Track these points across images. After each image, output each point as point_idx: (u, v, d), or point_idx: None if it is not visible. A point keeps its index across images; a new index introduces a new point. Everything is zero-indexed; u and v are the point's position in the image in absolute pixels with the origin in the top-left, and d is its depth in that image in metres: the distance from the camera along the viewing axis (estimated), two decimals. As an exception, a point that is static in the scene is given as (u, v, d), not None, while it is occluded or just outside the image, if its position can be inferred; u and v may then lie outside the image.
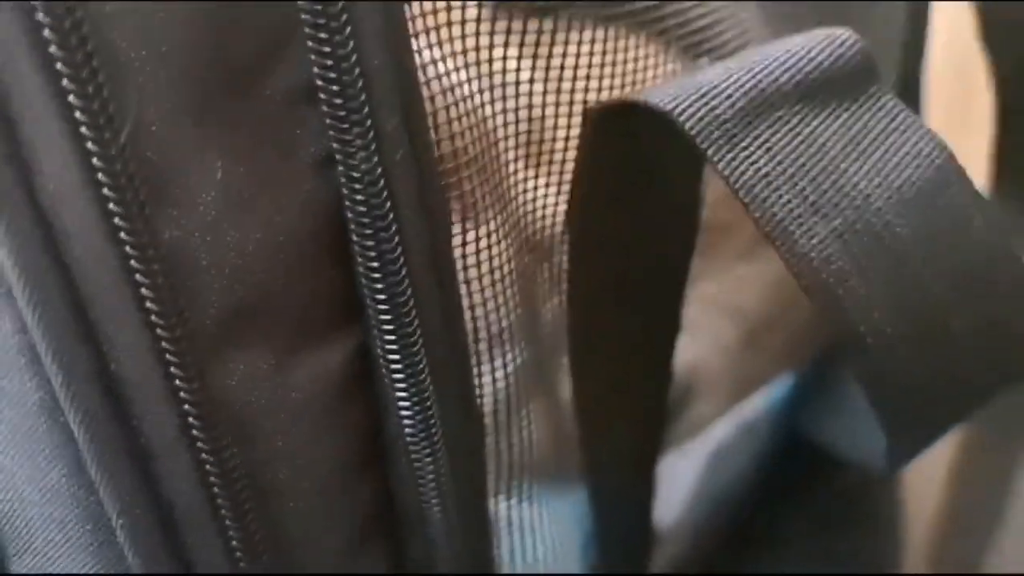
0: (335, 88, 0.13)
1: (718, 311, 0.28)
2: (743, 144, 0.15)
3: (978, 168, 0.43)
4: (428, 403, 0.15)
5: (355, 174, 0.14)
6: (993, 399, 0.18)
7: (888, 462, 0.19)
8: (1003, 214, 0.40)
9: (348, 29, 0.13)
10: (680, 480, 0.29)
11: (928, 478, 0.33)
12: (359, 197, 0.14)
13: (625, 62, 0.17)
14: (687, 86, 0.16)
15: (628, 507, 0.24)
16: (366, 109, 0.13)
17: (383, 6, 0.13)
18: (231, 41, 0.13)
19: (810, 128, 0.16)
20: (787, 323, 0.31)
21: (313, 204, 0.14)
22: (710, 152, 0.15)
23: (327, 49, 0.13)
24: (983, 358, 0.17)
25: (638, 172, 0.18)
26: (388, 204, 0.14)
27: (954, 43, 0.44)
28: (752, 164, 0.15)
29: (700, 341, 0.27)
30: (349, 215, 0.14)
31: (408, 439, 0.15)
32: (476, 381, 0.17)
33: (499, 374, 0.18)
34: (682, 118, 0.15)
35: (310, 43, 0.13)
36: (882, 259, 0.16)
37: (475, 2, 0.16)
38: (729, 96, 0.16)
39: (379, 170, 0.14)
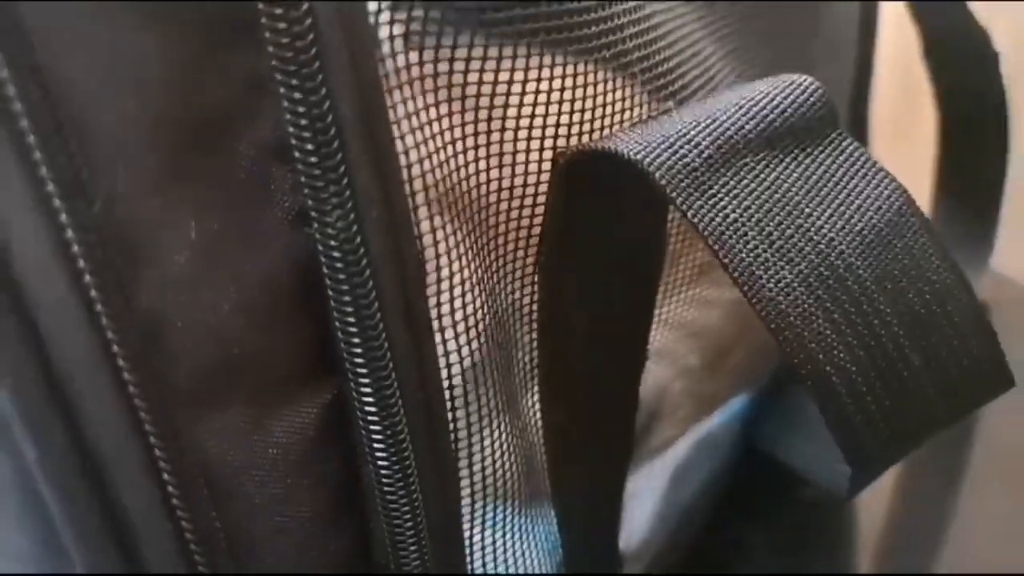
0: (309, 146, 0.13)
1: (683, 334, 0.28)
2: (711, 192, 0.16)
3: (922, 179, 0.45)
4: (405, 452, 0.15)
5: (331, 231, 0.14)
6: (947, 427, 0.19)
7: (850, 488, 0.19)
8: (948, 233, 0.42)
9: (323, 89, 0.13)
10: (643, 500, 0.29)
11: (874, 493, 0.34)
12: (335, 253, 0.14)
13: (594, 108, 0.18)
14: (655, 134, 0.16)
15: (597, 532, 0.24)
16: (342, 167, 0.13)
17: (354, 60, 0.13)
18: (201, 101, 0.13)
19: (775, 174, 0.16)
20: (746, 342, 0.32)
21: (287, 260, 0.14)
22: (679, 200, 0.15)
23: (301, 109, 0.13)
24: (939, 389, 0.18)
25: (605, 214, 0.18)
26: (364, 260, 0.14)
27: (898, 57, 0.45)
28: (721, 211, 0.16)
29: (665, 365, 0.27)
30: (325, 270, 0.14)
31: (385, 486, 0.15)
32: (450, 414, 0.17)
33: (472, 407, 0.18)
34: (652, 168, 0.15)
35: (284, 101, 0.13)
36: (845, 300, 0.16)
37: (448, 48, 0.16)
38: (697, 145, 0.16)
39: (355, 227, 0.14)
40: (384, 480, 0.15)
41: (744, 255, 0.16)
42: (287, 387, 0.14)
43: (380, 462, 0.15)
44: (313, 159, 0.13)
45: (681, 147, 0.16)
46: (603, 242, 0.19)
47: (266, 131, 0.13)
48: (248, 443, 0.14)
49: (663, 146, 0.16)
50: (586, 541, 0.23)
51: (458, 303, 0.16)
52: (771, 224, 0.16)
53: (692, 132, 0.16)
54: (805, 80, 0.17)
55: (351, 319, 0.14)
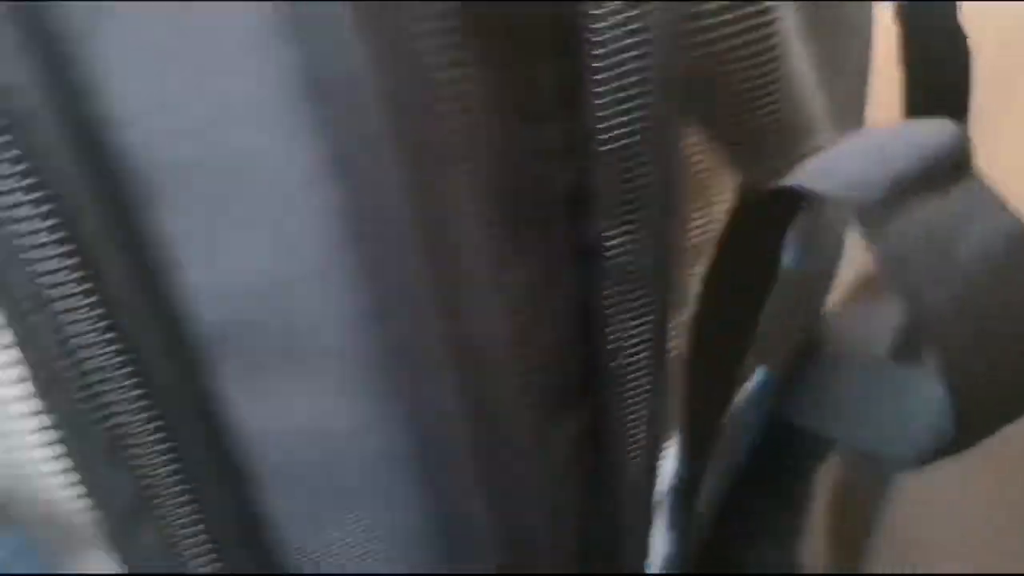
0: (620, 202, 0.15)
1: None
2: (885, 227, 0.19)
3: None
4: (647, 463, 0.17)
5: (624, 271, 0.16)
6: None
7: (930, 459, 0.23)
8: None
9: (642, 158, 0.15)
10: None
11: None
12: (623, 288, 0.16)
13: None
14: (840, 174, 0.19)
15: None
16: (643, 209, 0.15)
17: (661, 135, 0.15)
18: (529, 172, 0.15)
19: (928, 211, 0.19)
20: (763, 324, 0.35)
21: (570, 296, 0.16)
22: (867, 233, 0.18)
23: (624, 176, 0.15)
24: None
25: (761, 235, 0.21)
26: (649, 296, 0.16)
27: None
28: (890, 242, 0.19)
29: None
30: (606, 308, 0.16)
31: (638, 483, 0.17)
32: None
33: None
34: (851, 206, 0.18)
35: (604, 167, 0.15)
36: (974, 317, 0.20)
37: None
38: (874, 185, 0.19)
39: (647, 262, 0.16)
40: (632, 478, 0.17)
41: (910, 280, 0.19)
42: (562, 405, 0.16)
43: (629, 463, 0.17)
44: (625, 207, 0.15)
45: (863, 186, 0.18)
46: (750, 258, 0.21)
47: (563, 183, 0.15)
48: (530, 449, 0.16)
49: (852, 186, 0.18)
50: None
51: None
52: (928, 254, 0.19)
53: (868, 174, 0.19)
54: (947, 124, 0.20)
55: (629, 349, 0.16)
